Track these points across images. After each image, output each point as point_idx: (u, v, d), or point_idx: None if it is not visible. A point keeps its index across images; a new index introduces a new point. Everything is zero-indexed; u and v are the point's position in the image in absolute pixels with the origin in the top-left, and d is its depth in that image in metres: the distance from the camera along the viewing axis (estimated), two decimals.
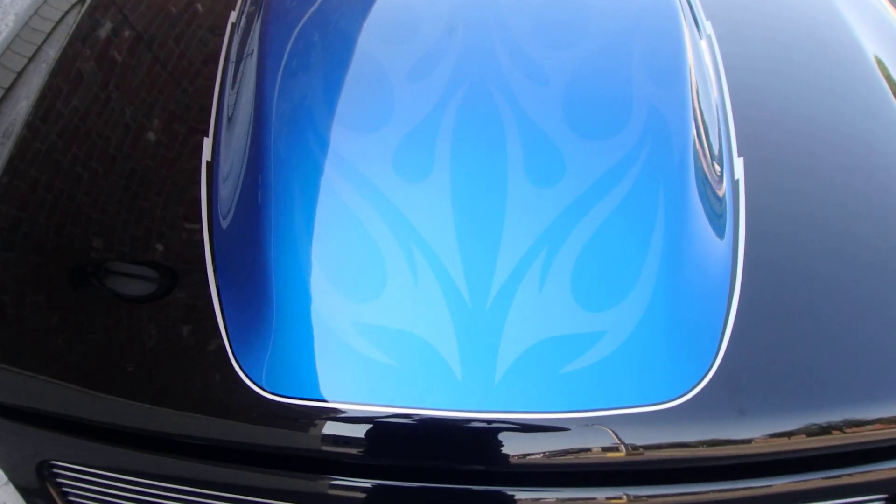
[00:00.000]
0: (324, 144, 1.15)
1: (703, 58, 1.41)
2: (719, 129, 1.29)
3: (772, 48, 1.49)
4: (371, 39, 1.30)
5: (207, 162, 1.22)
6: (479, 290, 1.02)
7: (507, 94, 1.20)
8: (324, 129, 1.16)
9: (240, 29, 1.46)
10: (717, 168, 1.23)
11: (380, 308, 1.02)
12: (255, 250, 1.07)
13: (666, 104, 1.23)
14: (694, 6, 1.57)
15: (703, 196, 1.15)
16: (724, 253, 1.10)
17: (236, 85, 1.33)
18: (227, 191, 1.17)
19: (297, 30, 1.35)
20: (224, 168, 1.20)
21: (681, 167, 1.16)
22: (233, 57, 1.38)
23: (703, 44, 1.46)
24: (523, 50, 1.28)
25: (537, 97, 1.20)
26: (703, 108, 1.29)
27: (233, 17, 1.52)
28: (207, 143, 1.25)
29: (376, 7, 1.38)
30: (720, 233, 1.13)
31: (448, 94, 1.20)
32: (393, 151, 1.13)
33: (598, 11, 1.39)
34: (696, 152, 1.19)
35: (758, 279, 1.08)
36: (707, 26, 1.51)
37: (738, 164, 1.24)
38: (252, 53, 1.33)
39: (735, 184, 1.22)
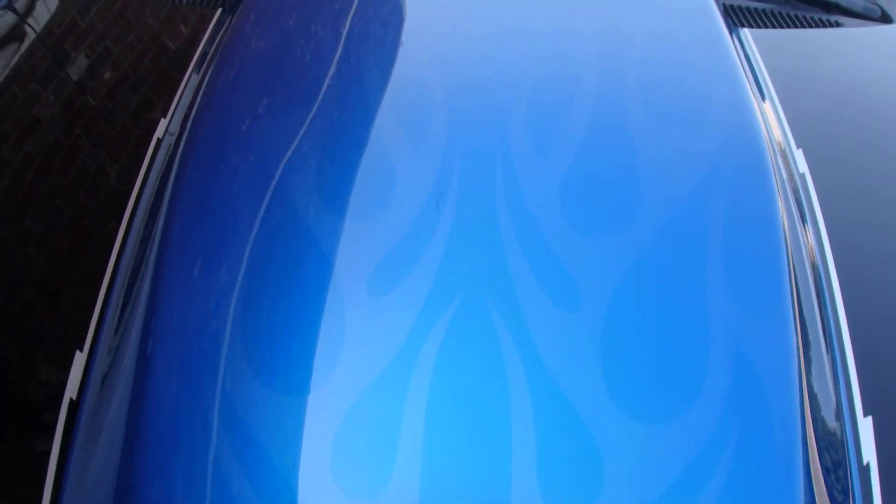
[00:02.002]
0: (229, 418, 0.71)
1: (800, 238, 0.98)
2: (835, 377, 0.86)
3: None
4: (317, 222, 0.86)
5: (71, 400, 0.82)
6: None
7: (517, 329, 0.77)
8: (232, 393, 0.73)
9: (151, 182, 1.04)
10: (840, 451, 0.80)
11: None
12: None
13: (761, 355, 0.79)
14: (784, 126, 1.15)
15: None
16: None
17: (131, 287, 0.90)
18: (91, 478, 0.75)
19: (214, 215, 0.91)
20: (87, 415, 0.79)
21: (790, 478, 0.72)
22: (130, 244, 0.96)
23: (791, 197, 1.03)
24: (545, 242, 0.85)
25: (566, 338, 0.77)
26: (806, 344, 0.86)
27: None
28: (78, 362, 0.84)
29: (331, 166, 0.94)
30: None
31: (424, 324, 0.77)
32: (330, 444, 0.70)
33: (654, 169, 0.95)
34: (806, 438, 0.76)
35: None
36: (799, 156, 1.10)
37: (865, 426, 0.83)
38: (153, 244, 0.90)
39: (865, 471, 0.80)
